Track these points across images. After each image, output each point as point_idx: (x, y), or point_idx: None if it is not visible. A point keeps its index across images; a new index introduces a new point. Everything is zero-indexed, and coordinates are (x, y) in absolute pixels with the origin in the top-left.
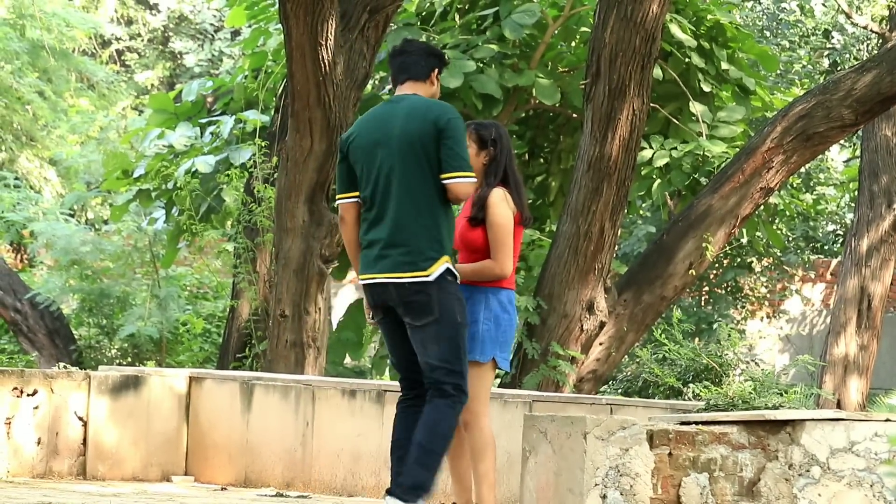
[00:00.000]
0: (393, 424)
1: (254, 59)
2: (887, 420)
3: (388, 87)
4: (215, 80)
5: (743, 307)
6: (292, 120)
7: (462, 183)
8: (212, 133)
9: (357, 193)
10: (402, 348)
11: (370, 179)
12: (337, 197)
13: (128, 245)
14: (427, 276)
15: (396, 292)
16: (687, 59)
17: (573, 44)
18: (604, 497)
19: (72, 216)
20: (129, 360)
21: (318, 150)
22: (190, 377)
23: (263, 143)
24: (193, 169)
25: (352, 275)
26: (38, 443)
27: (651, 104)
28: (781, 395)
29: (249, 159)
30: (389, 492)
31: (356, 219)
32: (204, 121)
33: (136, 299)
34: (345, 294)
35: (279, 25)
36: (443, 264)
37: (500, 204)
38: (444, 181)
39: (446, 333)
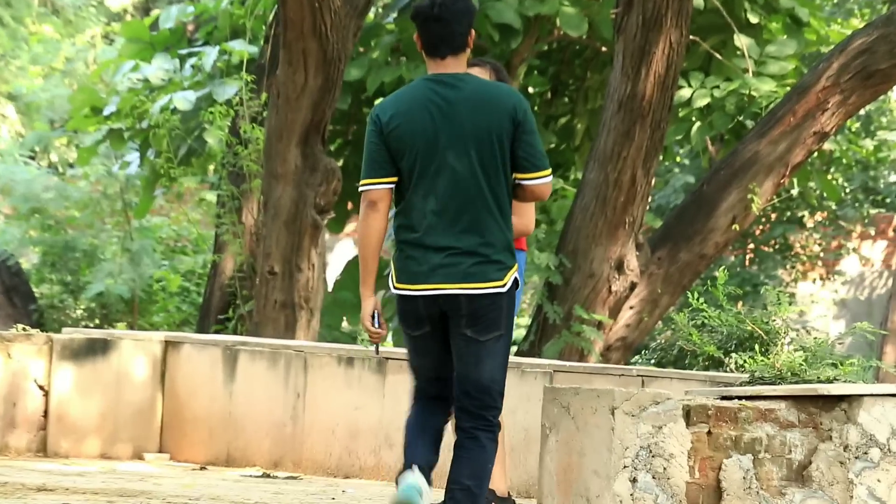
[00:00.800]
0: (412, 417)
1: None
2: None
3: (393, 15)
4: (197, 6)
5: (793, 267)
6: (284, 51)
7: (546, 183)
8: (193, 66)
9: (395, 179)
10: (437, 361)
11: (426, 174)
12: (367, 180)
13: (96, 192)
14: (503, 286)
15: (468, 304)
16: None
17: None
18: (634, 481)
19: (33, 158)
20: (97, 321)
21: (312, 86)
22: (165, 341)
23: (251, 78)
24: (171, 106)
25: (350, 227)
26: None
27: (691, 37)
28: (836, 366)
29: (235, 95)
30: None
31: (389, 208)
32: (184, 52)
33: (105, 253)
34: (342, 249)
35: None
36: (514, 272)
37: None
38: (526, 181)
39: (504, 348)
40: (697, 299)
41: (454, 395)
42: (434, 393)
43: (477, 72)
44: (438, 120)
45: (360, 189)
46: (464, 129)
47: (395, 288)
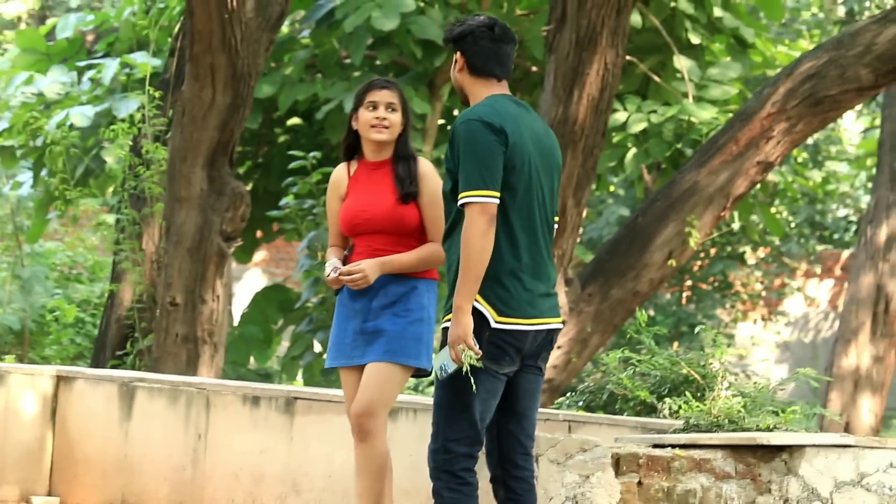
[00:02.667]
0: None
1: None
2: None
3: (309, 28)
4: (97, 15)
5: (733, 307)
6: (190, 66)
7: None
8: (91, 79)
9: None
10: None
11: (528, 198)
12: (491, 192)
13: None
14: None
15: (555, 338)
16: (672, 3)
17: None
18: None
19: None
20: None
21: (220, 104)
22: (57, 376)
23: (155, 93)
24: (68, 122)
25: (259, 256)
26: None
27: (627, 57)
28: (777, 414)
29: (137, 112)
30: None
31: None
32: (82, 63)
33: None
34: (249, 279)
35: None
36: None
37: (436, 173)
38: None
39: None
40: (622, 350)
41: (506, 443)
42: (473, 464)
43: (386, 95)
44: (535, 143)
45: (481, 200)
46: (549, 156)
47: (496, 322)
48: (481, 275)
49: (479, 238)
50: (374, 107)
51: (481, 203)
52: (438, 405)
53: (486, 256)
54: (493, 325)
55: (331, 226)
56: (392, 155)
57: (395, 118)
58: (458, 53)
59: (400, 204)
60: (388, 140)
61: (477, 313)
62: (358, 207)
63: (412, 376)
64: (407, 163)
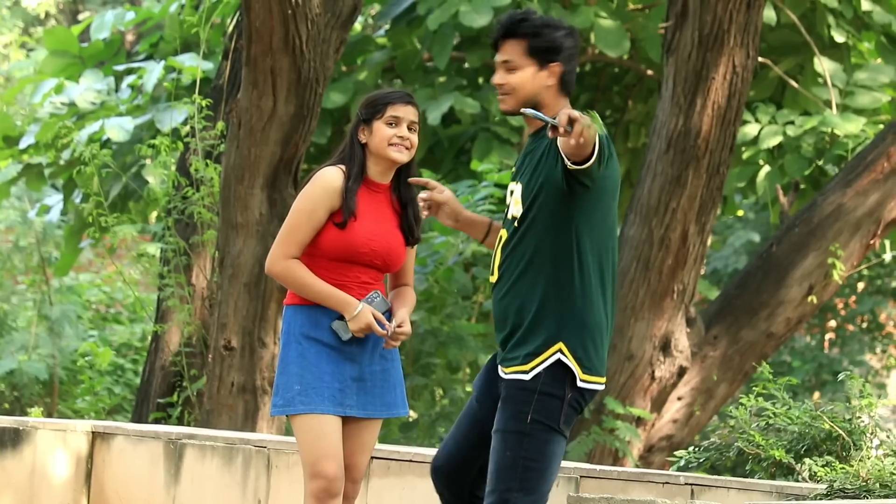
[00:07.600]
0: None
1: None
2: None
3: (386, 26)
4: (138, 11)
5: (884, 351)
6: (248, 70)
7: None
8: (131, 85)
9: None
10: None
11: (615, 232)
12: None
13: (7, 242)
14: None
15: None
16: None
17: None
18: None
19: None
20: (7, 406)
21: (283, 114)
22: (93, 432)
23: (205, 102)
24: (103, 136)
25: None
26: None
27: (760, 59)
28: None
29: (184, 124)
30: None
31: None
32: (121, 68)
33: (17, 321)
34: None
35: None
36: None
37: None
38: None
39: None
40: (753, 397)
41: (477, 480)
42: None
43: (410, 112)
44: None
45: None
46: None
47: (581, 381)
48: None
49: None
50: (396, 123)
51: None
52: (510, 467)
53: None
54: (579, 384)
55: (300, 237)
56: (392, 182)
57: (415, 140)
58: (557, 65)
59: (404, 246)
60: (405, 161)
61: (562, 368)
62: (366, 235)
63: None
64: (414, 204)
